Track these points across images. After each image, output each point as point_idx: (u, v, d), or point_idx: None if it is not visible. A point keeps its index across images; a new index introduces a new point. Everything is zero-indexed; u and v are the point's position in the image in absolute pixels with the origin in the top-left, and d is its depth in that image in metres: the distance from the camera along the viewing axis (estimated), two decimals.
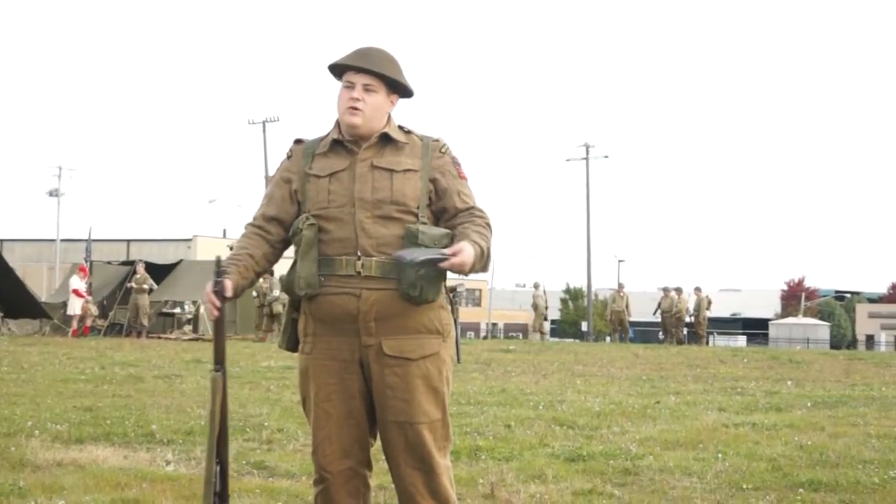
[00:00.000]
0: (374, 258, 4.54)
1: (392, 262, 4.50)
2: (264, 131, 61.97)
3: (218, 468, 4.68)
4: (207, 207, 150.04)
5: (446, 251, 4.43)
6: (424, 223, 4.60)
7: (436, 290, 4.57)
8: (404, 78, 4.72)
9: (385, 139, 4.67)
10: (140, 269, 31.28)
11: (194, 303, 32.07)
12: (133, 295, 30.67)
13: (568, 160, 65.83)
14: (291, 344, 4.81)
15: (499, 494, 6.98)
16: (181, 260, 37.85)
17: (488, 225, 4.67)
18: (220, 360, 4.64)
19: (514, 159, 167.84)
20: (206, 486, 4.70)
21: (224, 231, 71.69)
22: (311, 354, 4.68)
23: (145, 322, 30.61)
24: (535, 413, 11.34)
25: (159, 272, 33.35)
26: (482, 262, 4.57)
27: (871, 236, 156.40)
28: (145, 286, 30.77)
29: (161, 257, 43.49)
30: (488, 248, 4.60)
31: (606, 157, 66.98)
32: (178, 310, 33.79)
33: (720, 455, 8.56)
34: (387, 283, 4.54)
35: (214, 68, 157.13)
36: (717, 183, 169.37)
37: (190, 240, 65.61)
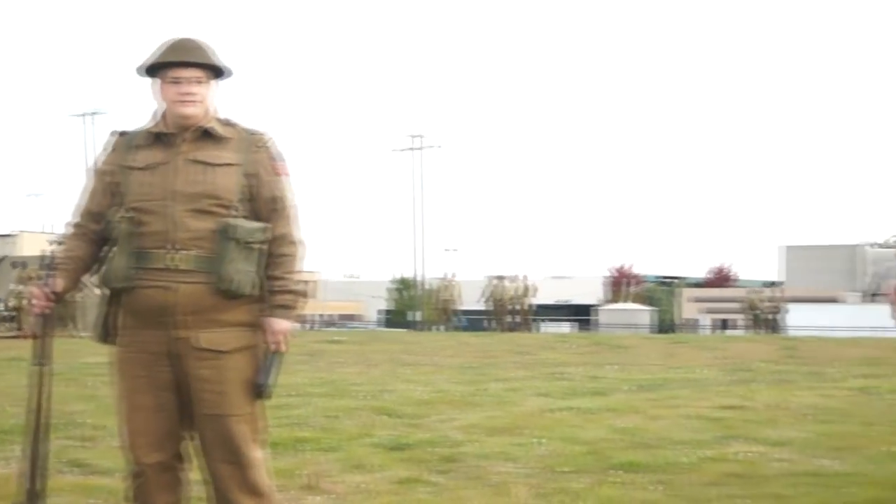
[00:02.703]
0: (187, 252, 4.52)
1: (209, 256, 4.49)
2: (89, 124, 60.86)
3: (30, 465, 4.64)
4: (30, 201, 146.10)
5: (271, 342, 4.62)
6: (242, 217, 4.59)
7: (250, 283, 4.57)
8: (223, 62, 4.72)
9: (205, 133, 4.64)
10: None
11: (17, 297, 31.21)
12: None
13: (394, 150, 66.10)
14: (102, 336, 4.79)
15: (320, 485, 6.97)
16: (4, 256, 36.82)
17: (295, 255, 4.69)
18: (43, 356, 4.68)
19: (344, 150, 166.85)
20: (18, 479, 4.66)
21: (49, 226, 70.04)
22: (123, 347, 4.68)
23: None
24: (360, 403, 11.35)
25: None
26: (302, 303, 4.75)
27: (690, 223, 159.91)
28: None
29: None
30: (299, 282, 4.71)
31: (439, 146, 67.07)
32: None
33: (540, 440, 8.70)
34: (200, 277, 4.53)
35: (40, 60, 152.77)
36: (550, 173, 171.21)
37: (15, 235, 63.90)
